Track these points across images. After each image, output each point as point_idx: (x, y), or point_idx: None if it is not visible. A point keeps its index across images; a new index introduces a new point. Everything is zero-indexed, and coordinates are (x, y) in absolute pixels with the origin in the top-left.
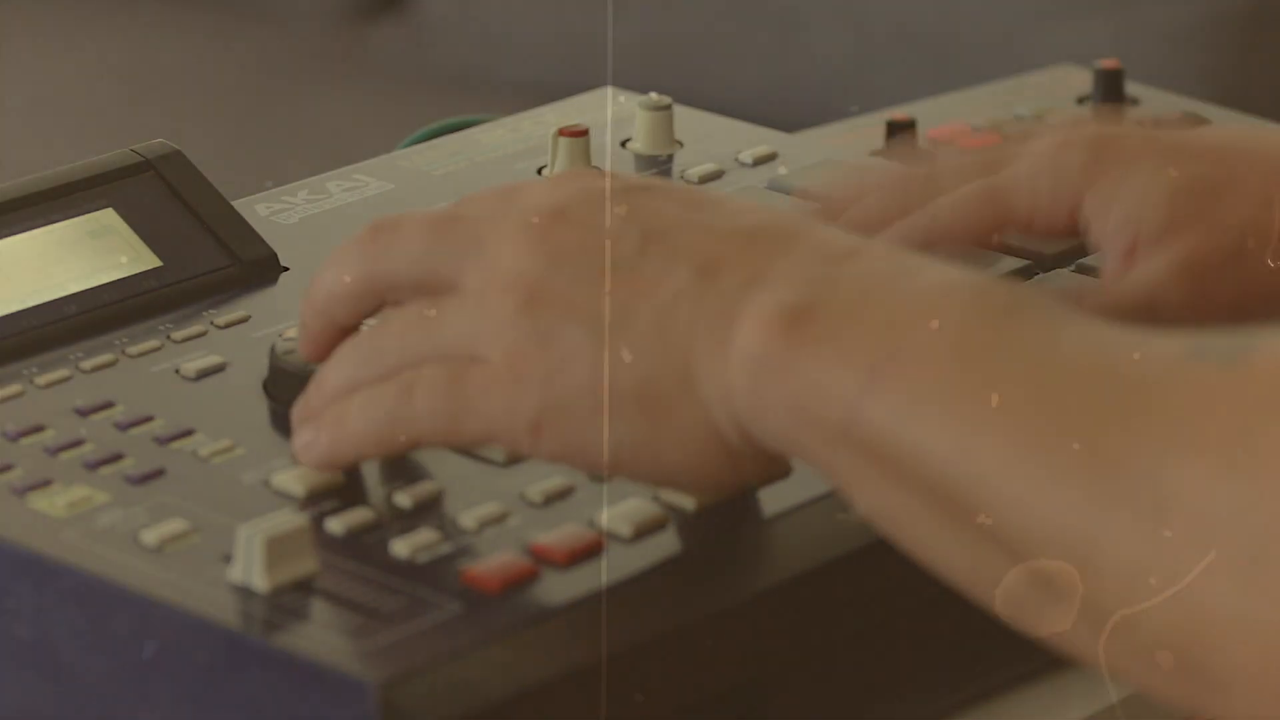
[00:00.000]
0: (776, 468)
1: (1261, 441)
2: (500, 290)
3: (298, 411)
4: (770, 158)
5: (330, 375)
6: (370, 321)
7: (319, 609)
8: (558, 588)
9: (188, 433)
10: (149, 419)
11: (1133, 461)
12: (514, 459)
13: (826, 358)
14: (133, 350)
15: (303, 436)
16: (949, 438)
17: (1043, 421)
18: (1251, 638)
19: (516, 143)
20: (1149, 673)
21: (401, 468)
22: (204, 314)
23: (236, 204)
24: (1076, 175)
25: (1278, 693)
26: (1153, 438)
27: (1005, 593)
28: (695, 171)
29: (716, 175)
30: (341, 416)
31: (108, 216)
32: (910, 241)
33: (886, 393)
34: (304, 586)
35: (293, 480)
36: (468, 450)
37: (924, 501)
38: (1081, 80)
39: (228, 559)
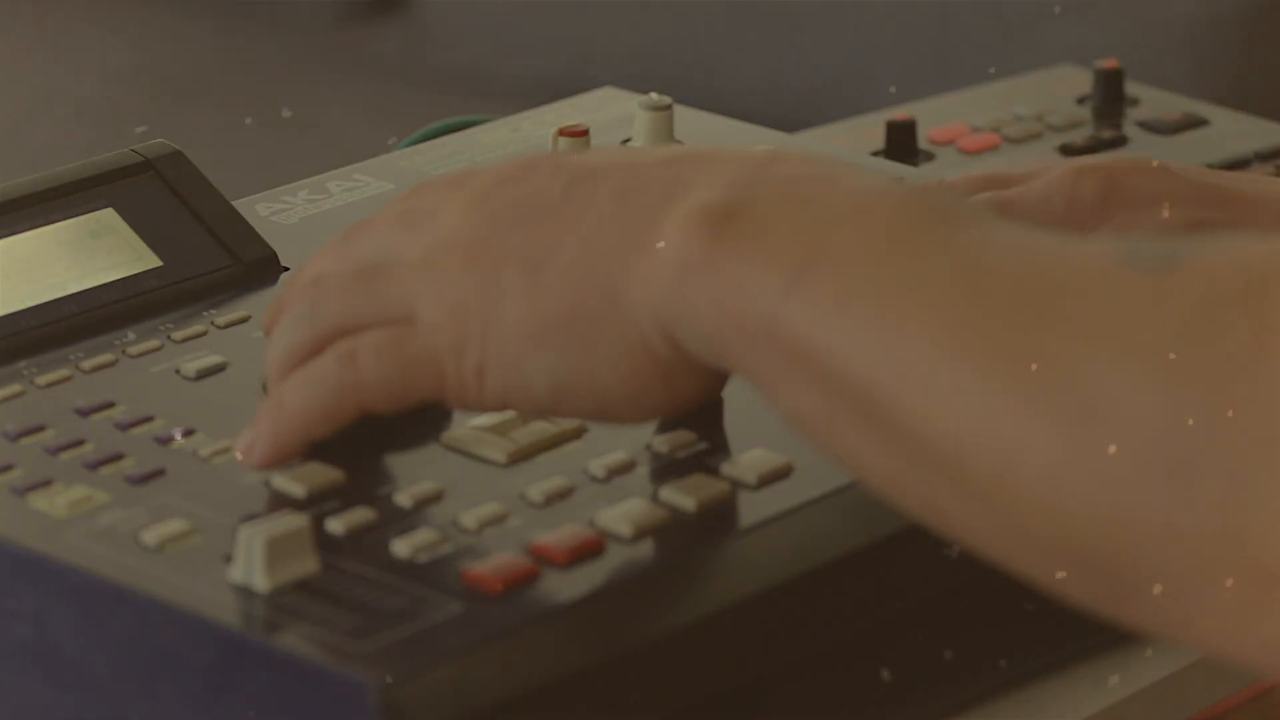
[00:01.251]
0: (710, 383)
1: (1191, 347)
2: (443, 252)
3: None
4: None
5: (274, 341)
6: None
7: (319, 609)
8: (558, 588)
9: (188, 433)
10: (149, 419)
11: (1060, 365)
12: (514, 459)
13: (750, 256)
14: (133, 350)
15: (242, 441)
16: (872, 339)
17: (968, 323)
18: (1176, 543)
19: (516, 143)
20: (1066, 576)
21: (402, 468)
22: (204, 314)
23: (237, 204)
24: (1091, 203)
25: (1199, 598)
26: (1081, 341)
27: (924, 499)
28: None
29: None
30: (280, 403)
31: (108, 216)
32: None
33: (810, 292)
34: (304, 587)
35: (293, 480)
36: (459, 448)
37: (845, 405)
38: (1081, 80)
39: (228, 559)
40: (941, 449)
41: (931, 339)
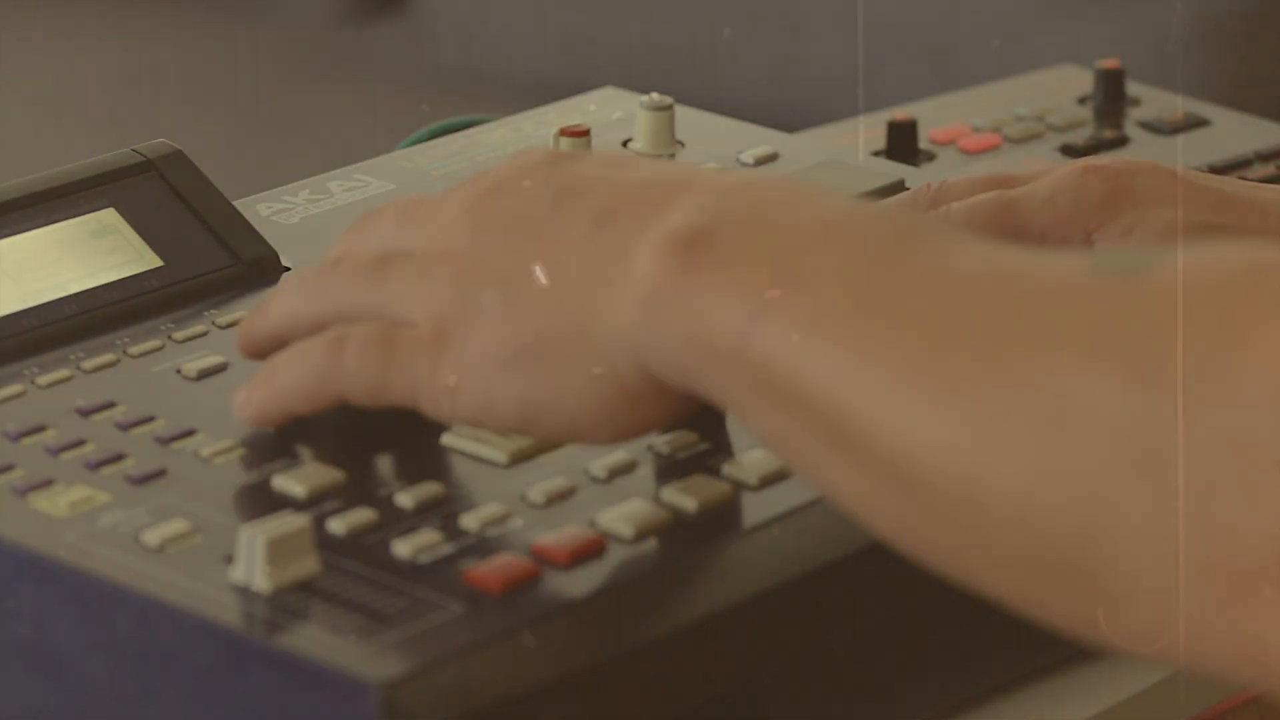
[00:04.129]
0: (678, 409)
1: (1160, 349)
2: (436, 261)
3: (239, 336)
4: (771, 158)
5: (274, 303)
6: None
7: (320, 610)
8: (559, 588)
9: (189, 433)
10: (150, 419)
11: (1028, 373)
12: (515, 459)
13: (719, 283)
14: (134, 350)
15: (238, 396)
16: (840, 362)
17: (935, 339)
18: (1148, 547)
19: (518, 143)
20: (1034, 588)
21: (403, 468)
22: (205, 314)
23: (238, 204)
24: (1097, 202)
25: (1173, 601)
26: (1050, 349)
27: (893, 521)
28: None
29: None
30: (272, 372)
31: (109, 216)
32: None
33: (778, 316)
34: (305, 587)
35: (294, 480)
36: (460, 449)
37: (814, 427)
38: (1082, 80)
39: (229, 559)
40: (910, 469)
41: (899, 358)
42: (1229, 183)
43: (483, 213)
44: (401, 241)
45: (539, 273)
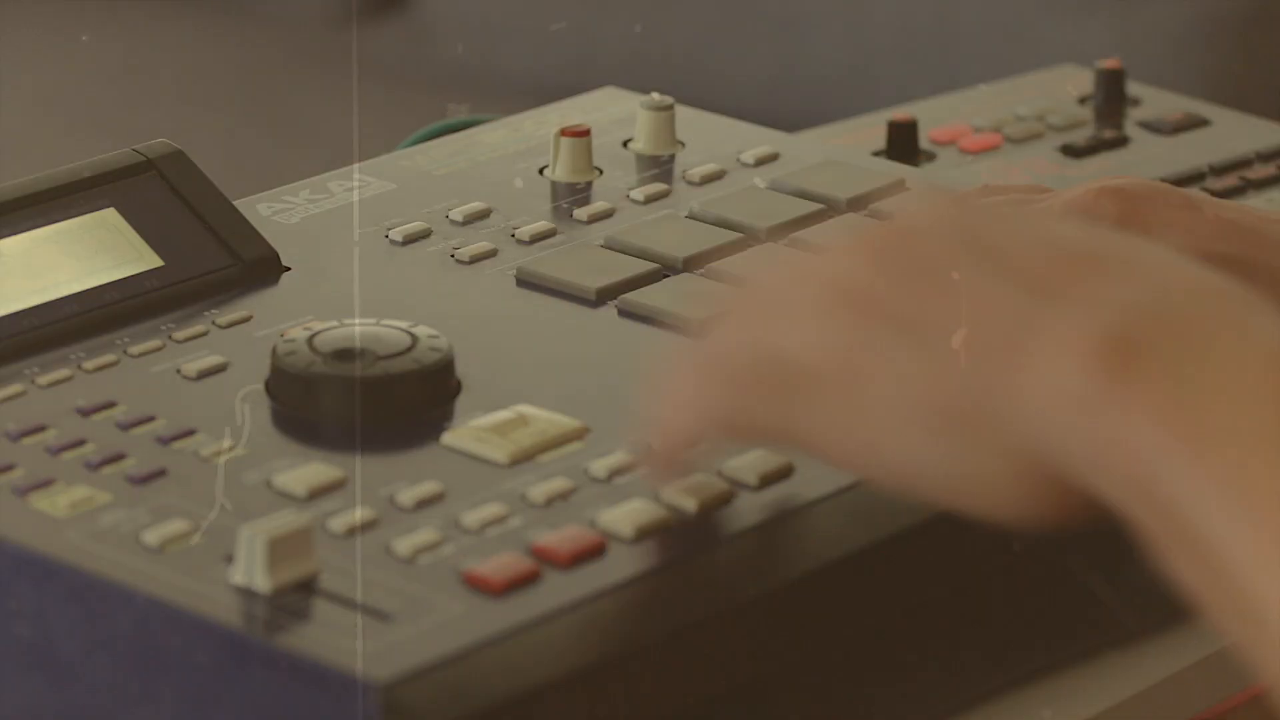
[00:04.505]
0: (1085, 511)
1: None
2: (836, 300)
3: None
4: (771, 158)
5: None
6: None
7: (321, 609)
8: (559, 588)
9: (189, 433)
10: (151, 419)
11: None
12: (515, 459)
13: (1141, 408)
14: (134, 350)
15: (647, 413)
16: (1247, 531)
17: None
18: None
19: (517, 143)
20: None
21: (403, 468)
22: (206, 314)
23: (238, 204)
24: (1110, 224)
25: None
26: None
27: None
28: (697, 172)
29: (718, 175)
30: (679, 394)
31: (109, 216)
32: None
33: (1194, 469)
34: (306, 587)
35: (293, 480)
36: (460, 448)
37: (1221, 592)
38: (1082, 80)
39: (229, 559)
40: None
41: None
42: (1254, 214)
43: (889, 255)
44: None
45: (954, 332)
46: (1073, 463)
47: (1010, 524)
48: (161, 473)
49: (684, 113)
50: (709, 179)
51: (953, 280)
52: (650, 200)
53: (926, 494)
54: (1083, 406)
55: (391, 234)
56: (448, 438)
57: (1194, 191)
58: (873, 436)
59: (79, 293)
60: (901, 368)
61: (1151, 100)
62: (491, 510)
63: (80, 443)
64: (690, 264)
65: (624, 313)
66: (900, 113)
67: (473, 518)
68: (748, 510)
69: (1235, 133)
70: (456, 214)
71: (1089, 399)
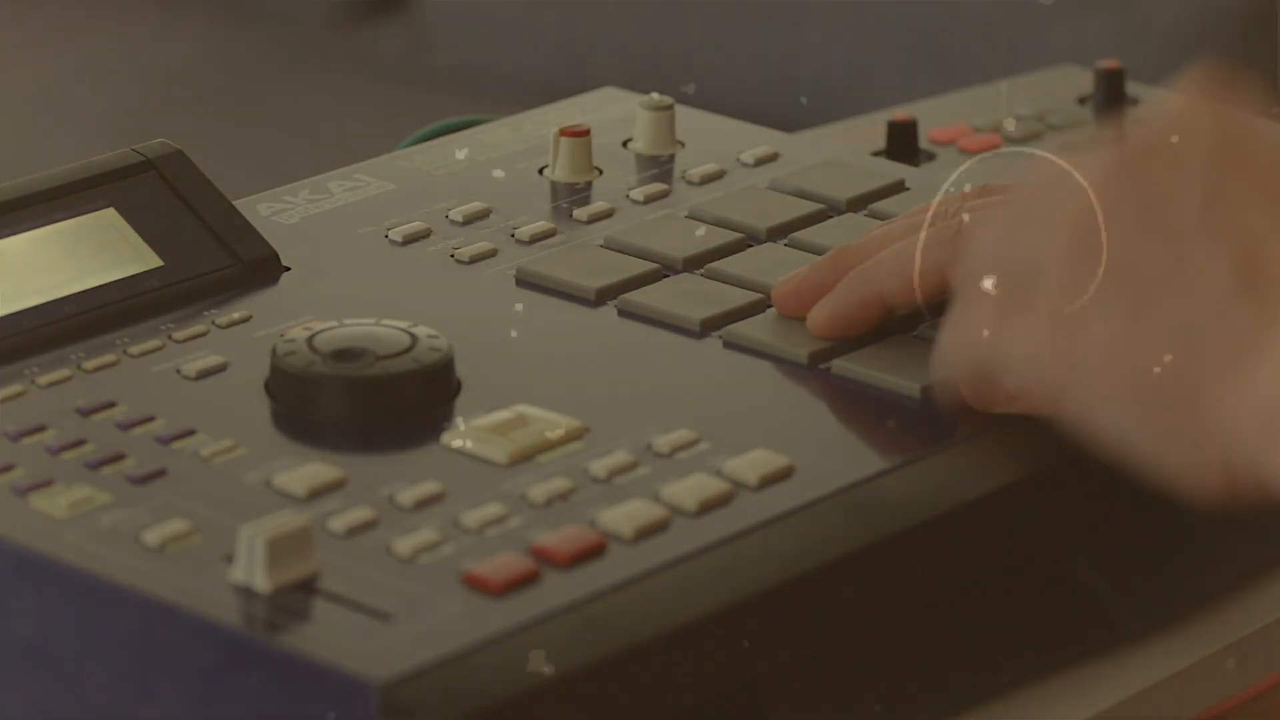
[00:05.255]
0: (1262, 498)
1: None
2: (1061, 225)
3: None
4: (771, 158)
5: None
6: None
7: (320, 609)
8: (559, 588)
9: (189, 433)
10: (150, 419)
11: None
12: (515, 459)
13: None
14: (134, 350)
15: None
16: None
17: None
18: None
19: (517, 143)
20: None
21: (402, 468)
22: (205, 314)
23: (238, 204)
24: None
25: None
26: None
27: None
28: (696, 172)
29: (718, 175)
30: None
31: (109, 216)
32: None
33: None
34: (305, 586)
35: (293, 480)
36: (460, 449)
37: None
38: (1082, 80)
39: (229, 559)
40: None
41: None
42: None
43: (1123, 182)
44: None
45: (1167, 302)
46: (1267, 473)
47: (1186, 499)
48: (161, 473)
49: (684, 113)
50: (709, 179)
51: (1180, 242)
52: (650, 200)
53: (1116, 457)
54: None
55: (391, 234)
56: (447, 438)
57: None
58: (1059, 379)
59: (79, 293)
60: (1110, 318)
61: (1151, 100)
62: (491, 510)
63: (80, 443)
64: (690, 264)
65: (624, 313)
66: (900, 113)
67: (472, 518)
68: (748, 510)
69: None
70: (456, 214)
71: None
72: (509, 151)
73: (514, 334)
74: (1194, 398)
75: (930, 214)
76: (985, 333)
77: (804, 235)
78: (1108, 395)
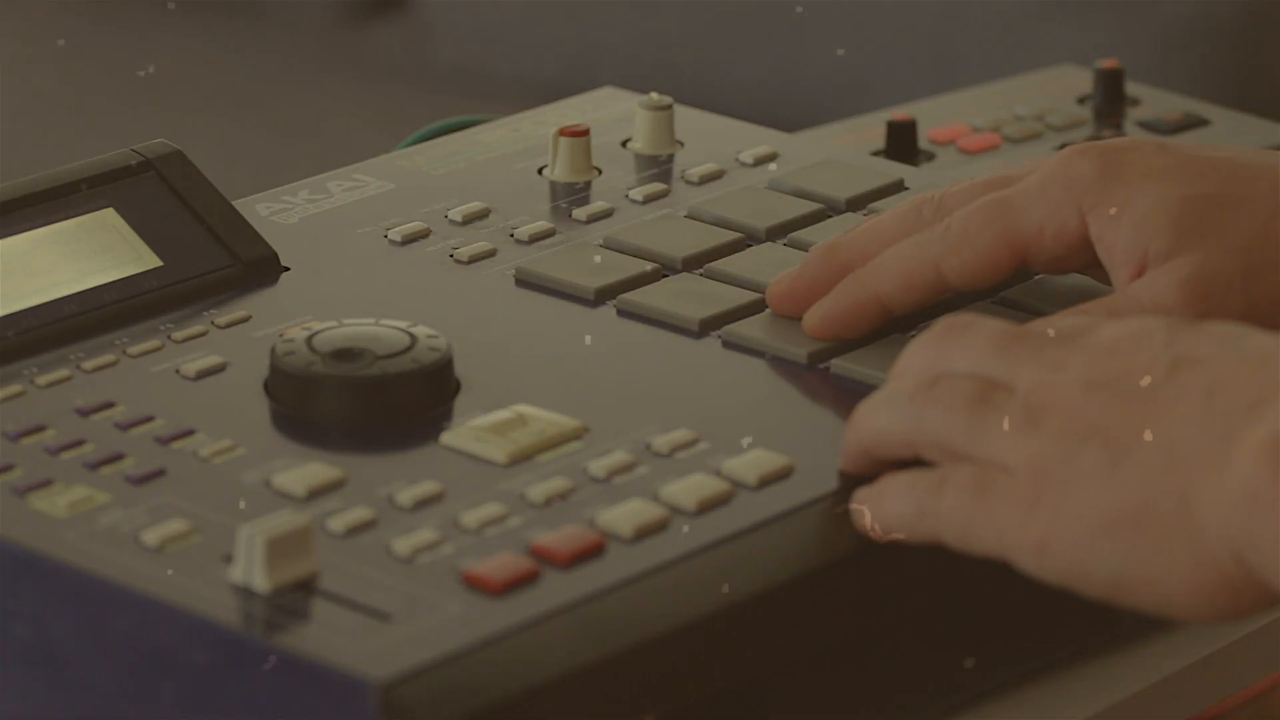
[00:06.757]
0: (1262, 607)
1: None
2: (1042, 411)
3: (846, 444)
4: (770, 158)
5: (866, 418)
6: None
7: (320, 609)
8: (558, 588)
9: (188, 433)
10: (150, 419)
11: None
12: (514, 459)
13: None
14: (133, 350)
15: (855, 501)
16: None
17: None
18: None
19: (517, 143)
20: None
21: (402, 468)
22: (205, 314)
23: (237, 204)
24: (1089, 184)
25: None
26: None
27: None
28: (695, 171)
29: (717, 175)
30: (881, 494)
31: (108, 216)
32: (923, 257)
33: None
34: (305, 586)
35: (293, 480)
36: (459, 448)
37: None
38: (1081, 80)
39: (229, 559)
40: None
41: None
42: (1227, 149)
43: (1095, 373)
44: (1000, 373)
45: (1148, 440)
46: (1260, 563)
47: (1191, 620)
48: (160, 473)
49: (683, 113)
50: (708, 179)
51: (1150, 395)
52: (649, 200)
53: (1089, 590)
54: (1261, 505)
55: (391, 234)
56: (447, 438)
57: (1163, 139)
58: (1047, 540)
59: (79, 293)
60: (1089, 476)
61: (1151, 100)
62: (490, 510)
63: (79, 443)
64: (689, 264)
65: (623, 313)
66: (900, 113)
67: (472, 517)
68: (747, 510)
69: (1234, 133)
70: (455, 214)
71: (1264, 496)
72: (508, 151)
73: (509, 333)
74: (1184, 506)
75: (919, 207)
76: (946, 504)
77: (803, 235)
78: (1098, 541)
